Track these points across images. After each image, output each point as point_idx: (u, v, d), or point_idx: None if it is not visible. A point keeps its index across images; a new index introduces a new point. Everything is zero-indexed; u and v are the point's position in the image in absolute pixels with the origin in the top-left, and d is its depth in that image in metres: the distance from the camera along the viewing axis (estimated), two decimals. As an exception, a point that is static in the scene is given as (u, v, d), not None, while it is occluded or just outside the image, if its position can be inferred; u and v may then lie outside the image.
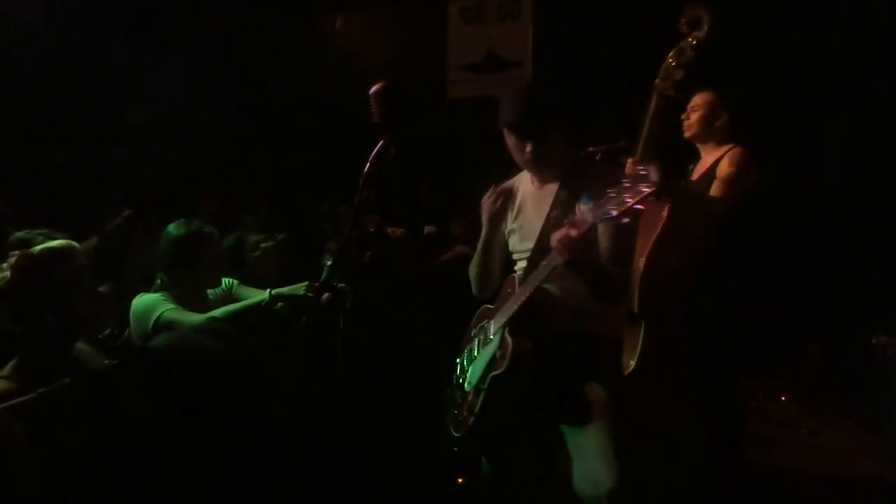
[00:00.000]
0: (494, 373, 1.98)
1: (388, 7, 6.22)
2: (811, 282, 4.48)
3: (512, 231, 2.21)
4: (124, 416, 1.87)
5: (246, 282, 2.89)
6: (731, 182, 2.82)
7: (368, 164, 1.88)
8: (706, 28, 2.61)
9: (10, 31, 5.31)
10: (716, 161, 2.91)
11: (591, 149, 2.37)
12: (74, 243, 1.89)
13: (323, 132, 5.88)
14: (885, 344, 3.94)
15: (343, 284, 1.98)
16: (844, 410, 4.15)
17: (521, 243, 2.17)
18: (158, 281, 2.62)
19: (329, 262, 2.02)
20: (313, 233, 4.62)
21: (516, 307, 1.98)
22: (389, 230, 3.52)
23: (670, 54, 2.70)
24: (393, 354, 3.07)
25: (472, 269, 2.31)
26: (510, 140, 2.08)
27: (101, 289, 1.96)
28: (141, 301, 2.54)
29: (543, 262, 1.91)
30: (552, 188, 2.10)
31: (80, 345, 1.96)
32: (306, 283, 2.62)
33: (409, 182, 4.86)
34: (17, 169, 5.31)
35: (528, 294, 1.94)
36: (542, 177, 2.13)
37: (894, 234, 4.23)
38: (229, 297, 2.72)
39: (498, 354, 1.99)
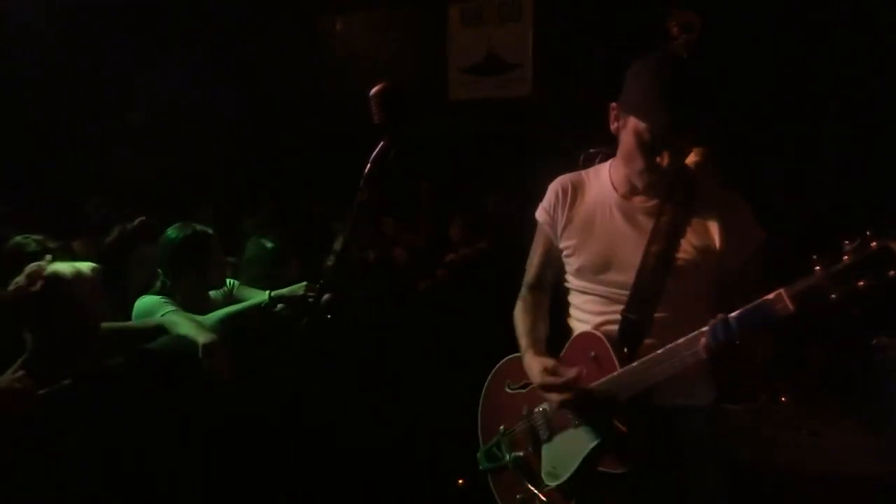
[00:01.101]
0: (605, 470, 1.58)
1: (388, 7, 6.21)
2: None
3: (573, 249, 1.68)
4: (125, 417, 1.88)
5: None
6: None
7: (370, 165, 1.87)
8: (697, 31, 2.69)
9: (10, 31, 5.31)
10: None
11: (591, 150, 2.35)
12: (96, 266, 2.07)
13: (323, 132, 5.87)
14: (885, 345, 3.94)
15: (344, 285, 1.98)
16: (844, 410, 4.14)
17: (592, 273, 1.64)
18: (159, 283, 2.62)
19: (331, 263, 2.02)
20: (313, 233, 4.62)
21: (630, 394, 1.52)
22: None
23: None
24: (393, 355, 3.07)
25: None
26: (641, 137, 1.49)
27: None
28: (143, 303, 2.54)
29: (686, 350, 1.43)
30: (645, 203, 1.61)
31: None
32: (305, 283, 2.64)
33: (409, 182, 4.85)
34: (18, 169, 5.31)
35: (648, 385, 1.50)
36: (644, 186, 1.61)
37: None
38: (231, 298, 2.75)
39: (614, 452, 1.56)
